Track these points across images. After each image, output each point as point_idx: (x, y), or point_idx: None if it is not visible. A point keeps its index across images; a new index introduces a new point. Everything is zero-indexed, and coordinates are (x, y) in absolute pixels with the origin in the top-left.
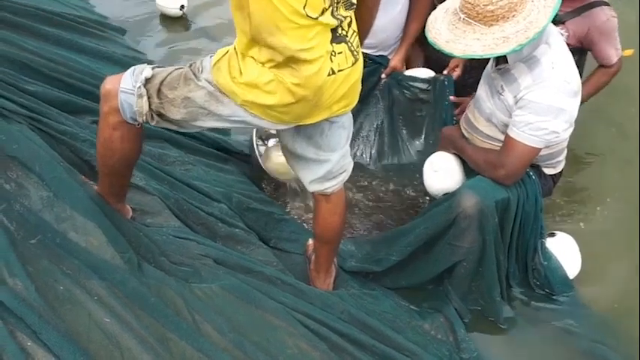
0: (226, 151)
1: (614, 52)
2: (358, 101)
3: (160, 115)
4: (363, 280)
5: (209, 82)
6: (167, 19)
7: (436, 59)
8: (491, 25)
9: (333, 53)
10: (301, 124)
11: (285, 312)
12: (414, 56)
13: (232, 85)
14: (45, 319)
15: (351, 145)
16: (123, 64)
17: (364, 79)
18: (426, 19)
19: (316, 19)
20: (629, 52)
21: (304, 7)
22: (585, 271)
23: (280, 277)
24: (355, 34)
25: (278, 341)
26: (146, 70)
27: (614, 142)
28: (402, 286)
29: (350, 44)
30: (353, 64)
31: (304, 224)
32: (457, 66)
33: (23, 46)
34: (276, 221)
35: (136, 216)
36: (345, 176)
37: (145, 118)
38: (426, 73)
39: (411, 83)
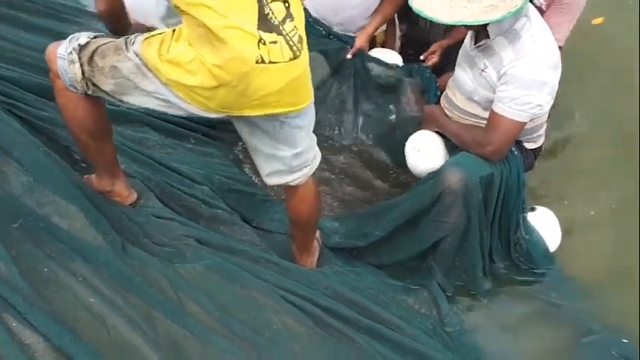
0: (208, 134)
1: (563, 31)
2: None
3: (94, 84)
4: (347, 257)
5: (136, 55)
6: None
7: (416, 38)
8: None
9: (262, 41)
10: (234, 114)
11: (270, 289)
12: (390, 35)
13: (157, 61)
14: (30, 300)
15: (322, 124)
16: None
17: (332, 58)
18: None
19: None
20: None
21: None
22: (565, 244)
23: (264, 256)
24: (297, 30)
25: (264, 318)
26: (82, 38)
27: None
28: (386, 262)
29: (287, 37)
30: (291, 60)
31: None
32: (435, 52)
33: None
34: (258, 202)
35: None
36: (309, 170)
37: (80, 85)
38: (393, 57)
39: (377, 67)
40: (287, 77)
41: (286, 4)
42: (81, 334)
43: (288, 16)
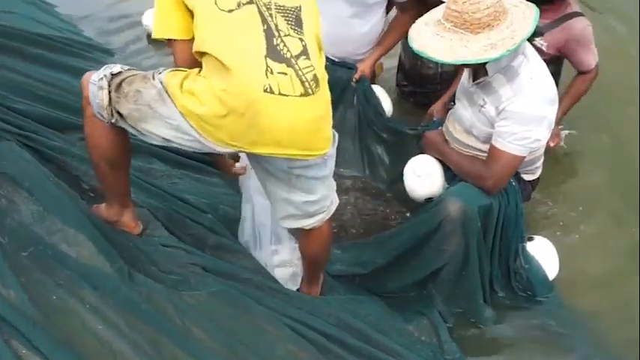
0: (212, 164)
1: (591, 57)
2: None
3: (118, 112)
4: (349, 285)
5: (160, 82)
6: (154, 40)
7: (410, 71)
8: (478, 32)
9: (270, 70)
10: (245, 150)
11: (273, 316)
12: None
13: (177, 90)
14: (39, 327)
15: None
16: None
17: (334, 84)
18: (405, 34)
19: (230, 11)
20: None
21: (215, 2)
22: (564, 274)
23: (268, 283)
24: (314, 69)
25: (267, 344)
26: (115, 67)
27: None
28: (388, 289)
29: (299, 72)
30: (303, 96)
31: None
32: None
33: (11, 67)
34: None
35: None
36: (325, 216)
37: (106, 113)
38: (385, 99)
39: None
40: (299, 115)
41: (303, 44)
42: None
43: (305, 53)
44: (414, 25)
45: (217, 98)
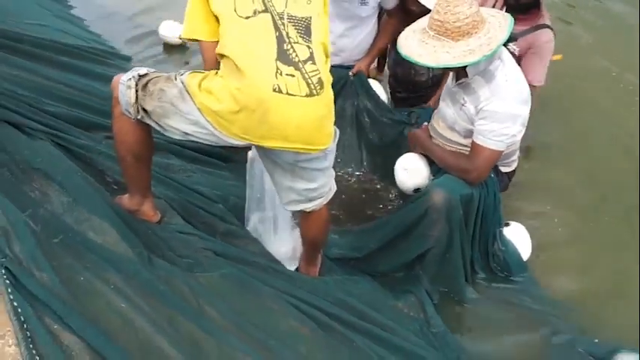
0: (223, 158)
1: (541, 73)
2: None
3: (144, 109)
4: (345, 267)
5: (182, 82)
6: (169, 47)
7: (403, 77)
8: (458, 40)
9: (279, 72)
10: (255, 143)
11: (277, 295)
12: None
13: (196, 89)
14: (69, 305)
15: None
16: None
17: (334, 81)
18: (395, 36)
19: (247, 18)
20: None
21: (235, 10)
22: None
23: (273, 266)
24: (319, 73)
25: (273, 321)
26: (143, 70)
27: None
28: (380, 270)
29: (306, 75)
30: (308, 96)
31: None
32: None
33: (42, 73)
34: None
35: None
36: (324, 201)
37: (133, 109)
38: (380, 90)
39: (373, 98)
40: (305, 114)
41: (310, 50)
42: (113, 336)
43: (311, 59)
44: (402, 34)
45: (232, 96)
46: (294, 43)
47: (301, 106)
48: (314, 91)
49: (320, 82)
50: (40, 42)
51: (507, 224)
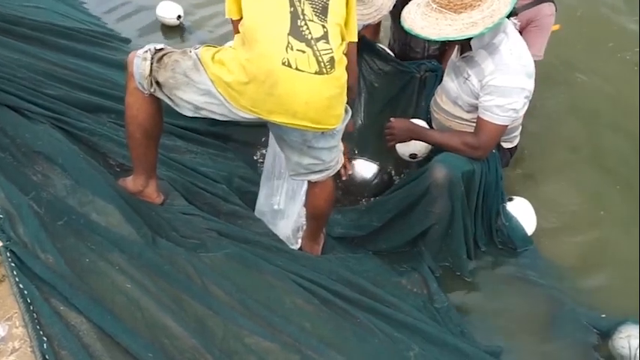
0: (227, 140)
1: (540, 45)
2: None
3: (157, 82)
4: (347, 245)
5: (196, 54)
6: (166, 28)
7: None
8: (461, 12)
9: (290, 46)
10: (263, 117)
11: (281, 273)
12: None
13: (209, 60)
14: (74, 286)
15: None
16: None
17: None
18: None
19: None
20: (555, 27)
21: None
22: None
23: (276, 245)
24: (332, 53)
25: (277, 298)
26: (159, 45)
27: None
28: (383, 248)
29: (317, 52)
30: (318, 74)
31: None
32: None
33: (42, 57)
34: None
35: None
36: (330, 173)
37: (147, 82)
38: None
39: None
40: (314, 91)
41: (325, 30)
42: (119, 315)
43: (324, 37)
44: (405, 8)
45: (242, 67)
46: (309, 20)
47: (310, 82)
48: (324, 70)
49: (331, 61)
50: (38, 25)
51: (511, 199)
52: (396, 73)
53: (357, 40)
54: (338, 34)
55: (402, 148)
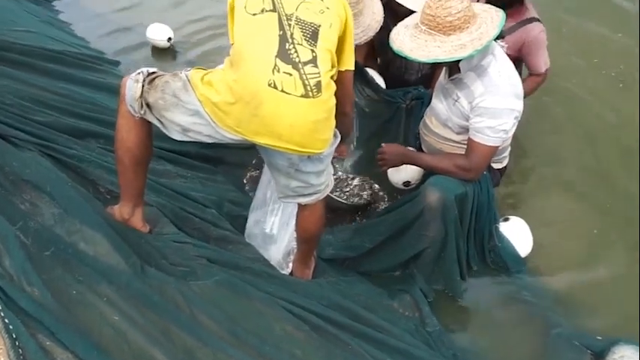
0: (217, 163)
1: (542, 62)
2: None
3: (147, 105)
4: (339, 267)
5: (186, 76)
6: (156, 50)
7: (393, 77)
8: (450, 34)
9: (277, 68)
10: (248, 138)
11: (271, 300)
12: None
13: (199, 81)
14: (61, 320)
15: None
16: (119, 92)
17: None
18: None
19: (254, 15)
20: None
21: (245, 7)
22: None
23: (266, 270)
24: (319, 77)
25: (266, 326)
26: (152, 69)
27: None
28: (375, 270)
29: (304, 76)
30: (304, 97)
31: None
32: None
33: (31, 82)
34: None
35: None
36: (319, 196)
37: (137, 104)
38: (377, 77)
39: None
40: (299, 114)
41: (314, 54)
42: (106, 348)
43: (313, 62)
44: (394, 29)
45: (229, 87)
46: (298, 44)
47: (295, 105)
48: (310, 93)
49: (318, 85)
50: (28, 50)
51: (507, 219)
52: (384, 102)
53: (353, 68)
54: (328, 59)
55: (395, 177)
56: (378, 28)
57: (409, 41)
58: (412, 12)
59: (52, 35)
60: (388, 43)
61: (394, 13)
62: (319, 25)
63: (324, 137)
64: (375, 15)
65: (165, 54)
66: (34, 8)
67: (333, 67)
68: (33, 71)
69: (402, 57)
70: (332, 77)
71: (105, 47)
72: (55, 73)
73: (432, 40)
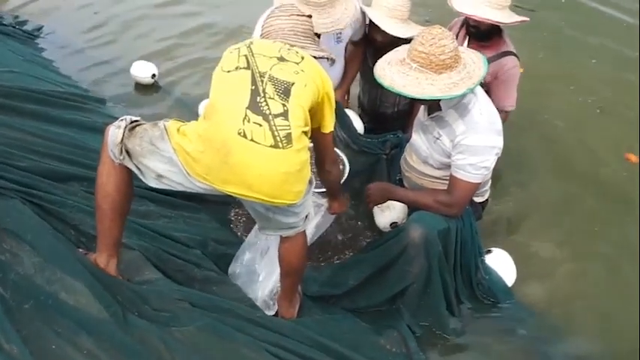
0: (201, 200)
1: (509, 99)
2: None
3: (127, 151)
4: (324, 305)
5: (164, 126)
6: (141, 87)
7: (370, 109)
8: (441, 72)
9: (247, 119)
10: (217, 187)
11: (255, 343)
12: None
13: (174, 131)
14: None
15: None
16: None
17: None
18: (360, 64)
19: (228, 72)
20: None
21: (222, 67)
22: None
23: (251, 312)
24: (290, 130)
25: None
26: (136, 117)
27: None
28: (360, 306)
29: (274, 127)
30: (273, 147)
31: None
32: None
33: (14, 125)
34: None
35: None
36: (300, 229)
37: (117, 149)
38: (357, 121)
39: (348, 127)
40: (269, 164)
41: (285, 108)
42: None
43: (284, 115)
44: (377, 64)
45: (199, 136)
46: (269, 98)
47: (264, 155)
48: (279, 144)
49: (288, 137)
50: (11, 92)
51: (489, 251)
52: (364, 153)
53: (332, 130)
54: (301, 115)
55: (381, 220)
56: (349, 24)
57: (399, 78)
58: (389, 44)
59: (35, 74)
60: (365, 77)
61: (371, 43)
62: (292, 83)
63: (296, 189)
64: (346, 11)
65: (149, 91)
66: (18, 47)
67: (306, 124)
68: (15, 114)
69: (382, 89)
70: (305, 133)
71: (90, 85)
72: (38, 115)
73: (424, 77)
